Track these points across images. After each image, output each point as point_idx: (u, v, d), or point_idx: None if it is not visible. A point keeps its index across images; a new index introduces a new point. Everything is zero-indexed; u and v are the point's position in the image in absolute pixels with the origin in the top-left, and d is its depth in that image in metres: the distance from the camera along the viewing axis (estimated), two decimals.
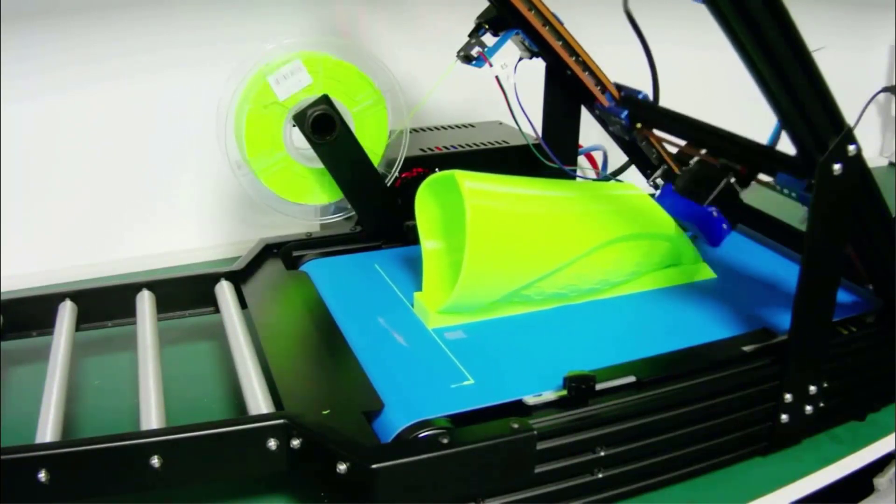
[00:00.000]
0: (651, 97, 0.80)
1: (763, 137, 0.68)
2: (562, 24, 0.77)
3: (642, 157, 0.81)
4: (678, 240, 0.72)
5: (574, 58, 0.78)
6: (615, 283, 0.69)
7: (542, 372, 0.57)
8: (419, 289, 0.67)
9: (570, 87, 0.81)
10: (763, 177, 0.64)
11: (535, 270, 0.64)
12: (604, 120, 0.81)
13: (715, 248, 0.73)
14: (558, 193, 0.68)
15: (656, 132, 0.79)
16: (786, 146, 0.61)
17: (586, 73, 0.78)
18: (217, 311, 0.72)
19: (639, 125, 0.77)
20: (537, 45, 0.78)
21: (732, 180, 0.67)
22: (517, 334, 0.63)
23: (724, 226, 0.70)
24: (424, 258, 0.67)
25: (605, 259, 0.67)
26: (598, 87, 0.79)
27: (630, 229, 0.68)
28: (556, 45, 0.77)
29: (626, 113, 0.77)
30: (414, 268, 0.72)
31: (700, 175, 0.70)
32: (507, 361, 0.59)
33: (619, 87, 0.79)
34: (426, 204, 0.67)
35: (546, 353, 0.60)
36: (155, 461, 0.49)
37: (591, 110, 0.82)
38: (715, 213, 0.70)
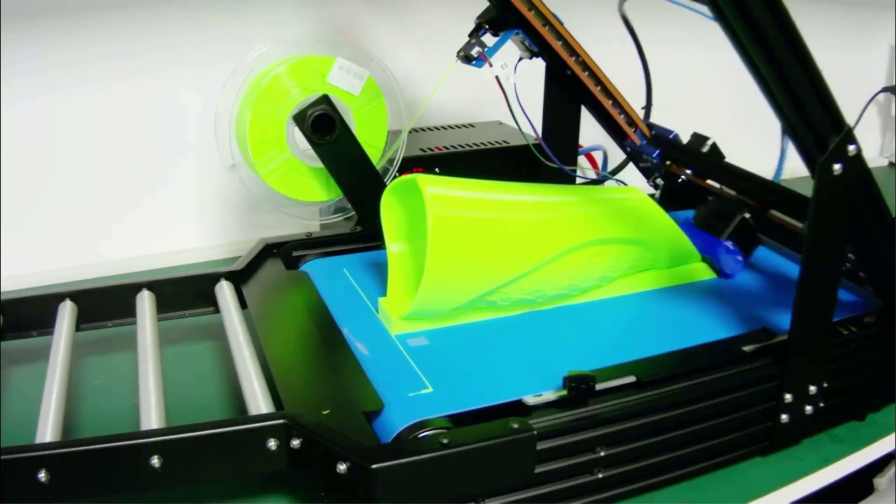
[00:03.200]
0: (646, 97, 0.81)
1: (761, 138, 0.68)
2: (562, 24, 0.77)
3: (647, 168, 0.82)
4: (660, 242, 0.71)
5: (574, 58, 0.78)
6: (584, 289, 0.68)
7: (518, 377, 0.57)
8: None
9: (570, 87, 0.81)
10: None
11: (499, 276, 0.63)
12: (634, 156, 0.82)
13: (734, 278, 0.74)
14: (524, 198, 0.67)
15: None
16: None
17: (618, 111, 0.80)
18: (217, 311, 0.72)
19: (668, 163, 0.78)
20: (537, 45, 0.78)
21: (747, 216, 0.71)
22: (482, 340, 0.62)
23: (739, 258, 0.71)
24: (389, 262, 0.66)
25: (573, 264, 0.66)
26: (628, 123, 0.80)
27: (598, 234, 0.67)
28: (556, 45, 0.77)
29: (657, 152, 0.78)
30: None
31: (716, 210, 0.73)
32: (471, 368, 0.58)
33: (649, 126, 0.80)
34: (391, 207, 0.65)
35: (516, 359, 0.60)
36: (155, 461, 0.49)
37: (623, 147, 0.84)
38: (731, 247, 0.71)
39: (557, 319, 0.66)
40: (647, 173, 0.83)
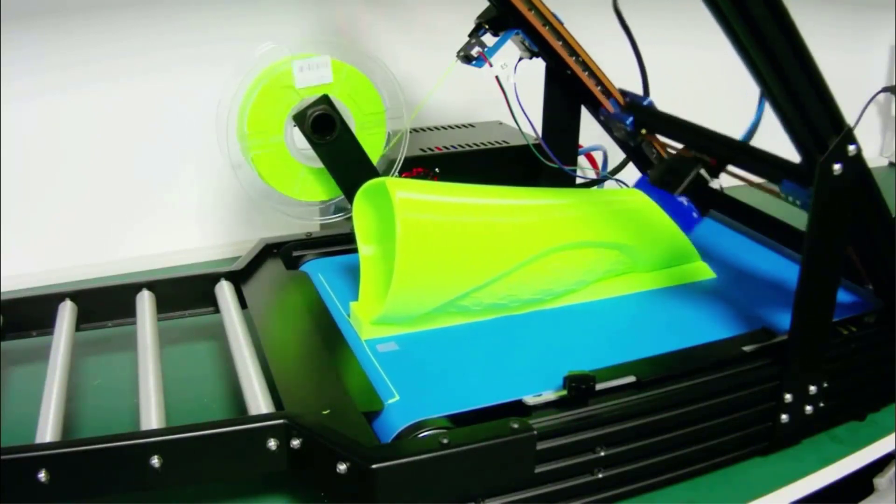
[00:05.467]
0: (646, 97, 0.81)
1: (761, 137, 0.68)
2: (562, 24, 0.77)
3: (641, 156, 0.81)
4: (645, 244, 0.70)
5: (574, 58, 0.78)
6: (559, 293, 0.68)
7: (490, 382, 0.56)
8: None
9: (570, 87, 0.81)
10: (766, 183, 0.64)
11: (470, 281, 0.62)
12: (608, 125, 0.81)
13: (688, 234, 0.73)
14: (496, 202, 0.66)
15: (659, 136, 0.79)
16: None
17: (589, 76, 0.78)
18: (217, 311, 0.72)
19: (643, 131, 0.77)
20: (537, 45, 0.78)
21: (702, 171, 0.69)
22: (454, 346, 0.61)
23: (695, 214, 0.71)
24: (361, 266, 0.65)
25: (546, 269, 0.65)
26: (602, 92, 0.79)
27: (571, 238, 0.66)
28: (556, 45, 0.77)
29: (630, 119, 0.77)
30: None
31: (672, 166, 0.72)
32: (441, 375, 0.57)
33: (623, 93, 0.79)
34: (363, 211, 0.65)
35: (490, 364, 0.59)
36: (155, 461, 0.49)
37: (596, 115, 0.82)
38: (685, 203, 0.70)
39: (542, 322, 0.65)
40: (621, 142, 0.82)
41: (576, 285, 0.68)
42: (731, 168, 0.68)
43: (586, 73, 0.79)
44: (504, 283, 0.63)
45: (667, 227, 0.72)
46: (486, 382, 0.56)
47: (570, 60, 0.78)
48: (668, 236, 0.72)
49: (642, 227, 0.71)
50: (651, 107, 0.77)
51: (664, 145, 0.78)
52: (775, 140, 0.60)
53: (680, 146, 0.74)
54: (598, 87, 0.79)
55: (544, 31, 0.76)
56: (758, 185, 0.66)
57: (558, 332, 0.64)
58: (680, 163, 0.72)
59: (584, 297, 0.69)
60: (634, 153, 0.83)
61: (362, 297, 0.65)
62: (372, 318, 0.62)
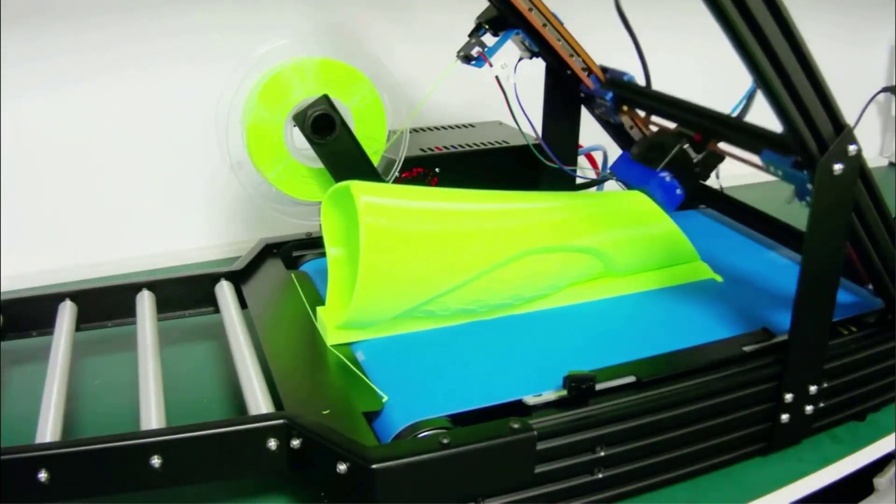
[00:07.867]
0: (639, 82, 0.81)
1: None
2: (562, 23, 0.77)
3: (624, 135, 0.81)
4: (618, 249, 0.70)
5: (574, 57, 0.78)
6: (528, 299, 0.67)
7: (461, 389, 0.56)
8: None
9: (570, 87, 0.81)
10: (749, 156, 0.64)
11: (435, 286, 0.61)
12: (588, 103, 0.81)
13: (670, 211, 0.73)
14: (462, 207, 0.65)
15: (642, 114, 0.78)
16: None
17: (573, 57, 0.77)
18: (217, 311, 0.72)
19: (624, 107, 0.76)
20: (537, 45, 0.78)
21: (686, 146, 0.69)
22: (421, 351, 0.61)
23: (678, 191, 0.70)
24: (329, 271, 0.65)
25: (514, 273, 0.64)
26: (584, 70, 0.78)
27: (538, 242, 0.65)
28: (556, 44, 0.77)
29: (611, 95, 0.76)
30: None
31: (655, 142, 0.71)
32: (408, 382, 0.57)
33: (604, 70, 0.78)
34: (331, 214, 0.64)
35: (466, 369, 0.59)
36: (155, 461, 0.49)
37: (578, 94, 0.81)
38: (668, 179, 0.70)
39: (541, 323, 0.65)
40: (604, 122, 0.81)
41: (546, 290, 0.68)
42: (722, 145, 0.67)
43: (586, 73, 0.79)
44: (471, 288, 0.63)
45: (662, 227, 0.72)
46: (482, 384, 0.56)
47: (571, 60, 0.78)
48: (663, 237, 0.72)
49: (623, 229, 0.71)
50: (632, 82, 0.76)
51: (646, 122, 0.77)
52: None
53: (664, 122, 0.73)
54: (580, 64, 0.78)
55: (544, 31, 0.76)
56: (742, 160, 0.65)
57: (558, 332, 0.64)
58: (663, 138, 0.71)
59: (583, 298, 0.69)
60: (616, 132, 0.82)
61: (329, 301, 0.64)
62: (337, 322, 0.62)
